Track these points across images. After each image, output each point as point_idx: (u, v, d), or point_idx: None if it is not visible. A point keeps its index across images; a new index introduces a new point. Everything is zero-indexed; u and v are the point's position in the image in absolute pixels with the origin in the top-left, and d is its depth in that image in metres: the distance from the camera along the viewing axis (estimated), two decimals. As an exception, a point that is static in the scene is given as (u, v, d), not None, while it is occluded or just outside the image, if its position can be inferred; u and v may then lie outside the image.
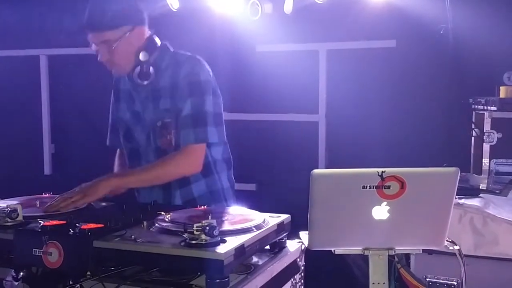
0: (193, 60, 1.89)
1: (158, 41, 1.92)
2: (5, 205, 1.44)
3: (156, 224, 1.39)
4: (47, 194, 1.77)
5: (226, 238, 1.24)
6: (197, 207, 1.61)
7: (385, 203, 1.31)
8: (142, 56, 1.85)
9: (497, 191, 2.51)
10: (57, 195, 1.69)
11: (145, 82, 1.86)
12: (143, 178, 1.82)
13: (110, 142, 2.11)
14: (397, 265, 1.48)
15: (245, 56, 3.86)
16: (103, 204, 1.72)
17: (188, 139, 1.81)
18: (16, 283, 1.31)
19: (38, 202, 1.67)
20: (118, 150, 2.13)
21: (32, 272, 1.31)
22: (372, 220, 1.32)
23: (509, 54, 3.16)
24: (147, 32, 1.90)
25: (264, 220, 1.44)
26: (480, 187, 2.60)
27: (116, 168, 2.10)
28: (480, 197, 2.36)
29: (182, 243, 1.22)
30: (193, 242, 1.20)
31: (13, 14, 4.17)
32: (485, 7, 3.17)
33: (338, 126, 3.81)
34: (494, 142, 2.94)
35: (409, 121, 3.57)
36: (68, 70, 4.28)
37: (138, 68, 1.86)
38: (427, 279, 2.13)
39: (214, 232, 1.21)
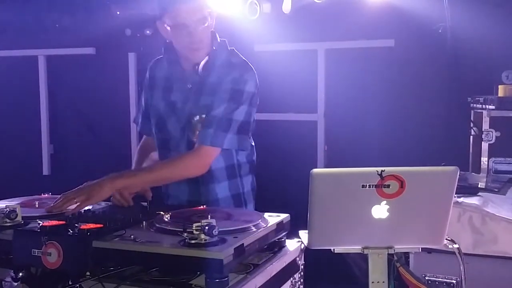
0: (245, 66, 1.86)
1: (218, 37, 1.91)
2: (4, 205, 1.44)
3: (156, 224, 1.39)
4: (46, 195, 1.76)
5: (225, 238, 1.24)
6: (194, 207, 1.61)
7: (384, 202, 1.31)
8: (215, 46, 1.83)
9: (496, 190, 2.51)
10: (56, 196, 1.68)
11: (206, 74, 1.82)
12: (149, 179, 1.77)
13: (142, 129, 2.06)
14: (396, 263, 1.48)
15: (244, 55, 3.85)
16: (102, 204, 1.71)
17: (205, 140, 1.78)
18: (15, 284, 1.31)
19: (37, 203, 1.67)
20: (142, 142, 2.09)
21: (31, 273, 1.31)
22: (372, 219, 1.32)
23: (507, 53, 3.16)
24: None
25: (264, 219, 1.44)
26: (479, 186, 2.61)
27: (134, 164, 2.05)
28: (479, 195, 2.36)
29: (182, 243, 1.22)
30: (193, 241, 1.20)
31: (11, 14, 4.16)
32: (483, 6, 3.18)
33: (337, 125, 3.81)
34: (493, 141, 2.95)
35: (408, 120, 3.57)
36: (66, 71, 4.27)
37: (206, 58, 1.83)
38: (426, 278, 2.14)
39: (214, 231, 1.21)
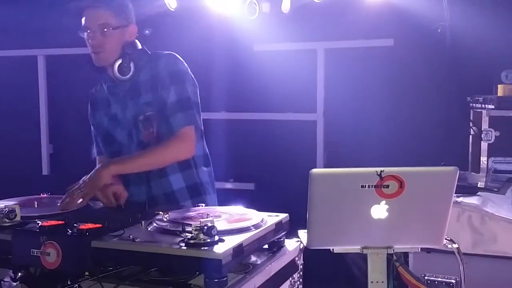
0: (168, 54, 1.98)
1: (139, 45, 2.01)
2: (3, 205, 1.44)
3: (154, 224, 1.39)
4: (45, 195, 1.76)
5: (224, 238, 1.24)
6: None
7: (383, 202, 1.31)
8: (128, 49, 1.93)
9: (495, 189, 2.52)
10: (56, 196, 1.69)
11: (124, 77, 1.92)
12: (141, 163, 1.85)
13: (96, 153, 2.15)
14: (396, 263, 1.48)
15: (243, 56, 3.86)
16: (101, 204, 1.71)
17: (179, 122, 1.88)
18: (15, 284, 1.31)
19: (36, 203, 1.67)
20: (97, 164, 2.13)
21: (30, 273, 1.31)
22: (371, 219, 1.32)
23: (507, 53, 3.16)
24: (135, 36, 2.00)
25: (263, 219, 1.44)
26: (478, 185, 2.61)
27: None
28: (478, 195, 2.36)
29: (181, 243, 1.22)
30: (192, 241, 1.20)
31: (11, 14, 4.15)
32: (482, 5, 3.17)
33: (337, 125, 3.81)
34: (492, 140, 2.95)
35: (407, 119, 3.57)
36: (66, 70, 4.27)
37: (119, 60, 1.91)
38: (426, 278, 2.14)
39: (212, 231, 1.20)
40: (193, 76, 1.99)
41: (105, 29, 1.88)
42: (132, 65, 1.92)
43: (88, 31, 1.90)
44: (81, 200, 1.65)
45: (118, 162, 1.83)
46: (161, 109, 1.90)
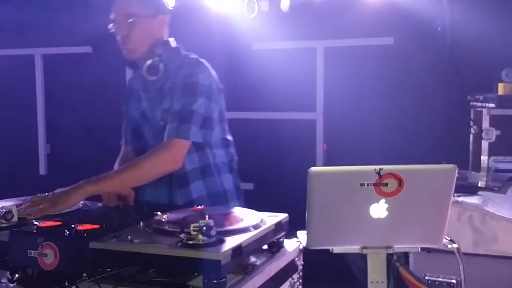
0: (194, 62, 1.90)
1: (174, 43, 1.96)
2: (0, 206, 1.43)
3: (153, 225, 1.38)
4: (42, 195, 1.75)
5: (223, 238, 1.23)
6: (193, 207, 1.60)
7: (383, 200, 1.30)
8: (158, 49, 1.87)
9: (496, 189, 2.51)
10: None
11: (153, 78, 1.88)
12: (119, 180, 1.71)
13: (124, 142, 2.09)
14: (396, 263, 1.47)
15: (242, 54, 3.85)
16: (99, 204, 1.70)
17: (171, 133, 1.80)
18: (12, 285, 1.30)
19: (33, 203, 1.65)
20: (121, 154, 2.09)
21: (28, 274, 1.30)
22: (370, 218, 1.31)
23: (507, 51, 3.16)
24: (167, 28, 1.95)
25: (262, 219, 1.43)
26: (479, 185, 2.60)
27: None
28: (479, 194, 2.36)
29: (179, 244, 1.21)
30: (190, 242, 1.19)
31: (7, 13, 4.14)
32: (483, 3, 3.17)
33: (336, 123, 3.80)
34: (493, 139, 2.94)
35: (407, 118, 3.56)
36: (63, 69, 4.26)
37: (149, 61, 1.87)
38: (426, 278, 2.13)
39: (211, 232, 1.20)
40: (219, 88, 1.89)
41: (130, 19, 1.84)
42: (162, 66, 1.86)
43: (115, 23, 1.88)
44: (38, 211, 1.53)
45: (94, 181, 1.66)
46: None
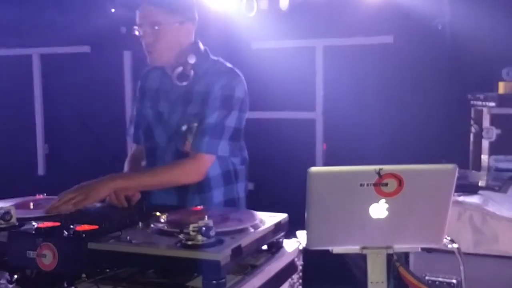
0: (232, 73, 1.90)
1: (202, 46, 1.94)
2: (-1, 207, 1.42)
3: (152, 225, 1.37)
4: (41, 196, 1.74)
5: (222, 239, 1.23)
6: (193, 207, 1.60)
7: (383, 200, 1.30)
8: (190, 59, 1.85)
9: (497, 188, 2.50)
10: (51, 196, 1.66)
11: (184, 83, 1.86)
12: (147, 182, 1.79)
13: (134, 139, 2.07)
14: (396, 263, 1.47)
15: (241, 53, 3.84)
16: (98, 205, 1.70)
17: (200, 147, 1.81)
18: (10, 286, 1.29)
19: (32, 204, 1.65)
20: (132, 152, 2.08)
21: (26, 275, 1.30)
22: (370, 218, 1.31)
23: (507, 50, 3.15)
24: (193, 35, 1.91)
25: (261, 220, 1.43)
26: (479, 184, 2.60)
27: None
28: (479, 194, 2.35)
29: (178, 244, 1.20)
30: (189, 243, 1.19)
31: (5, 13, 4.14)
32: (483, 2, 3.16)
33: (336, 123, 3.80)
34: (493, 138, 2.94)
35: (407, 117, 3.56)
36: (61, 69, 4.25)
37: (180, 68, 1.85)
38: (427, 278, 2.12)
39: (211, 232, 1.19)
40: (246, 101, 1.89)
41: (156, 27, 1.80)
42: (192, 73, 1.85)
43: (140, 28, 1.83)
44: (71, 206, 1.57)
45: (124, 177, 1.76)
46: (199, 126, 1.83)
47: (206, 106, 1.83)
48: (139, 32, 1.85)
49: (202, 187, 1.87)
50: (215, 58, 1.95)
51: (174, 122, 1.89)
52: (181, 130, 1.86)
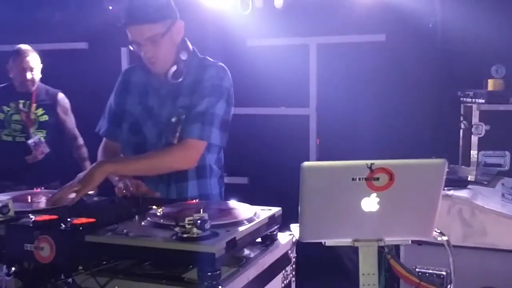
0: (219, 66, 1.96)
1: (189, 44, 1.97)
2: (-4, 201, 1.44)
3: (148, 218, 1.39)
4: (39, 189, 1.76)
5: (217, 232, 1.25)
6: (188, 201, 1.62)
7: (374, 194, 1.32)
8: (182, 55, 1.89)
9: (485, 183, 2.54)
10: (49, 190, 1.68)
11: (179, 80, 1.89)
12: (138, 167, 1.80)
13: (108, 133, 2.04)
14: (387, 256, 1.50)
15: (236, 51, 3.86)
16: (95, 198, 1.71)
17: (192, 133, 1.83)
18: (8, 278, 1.31)
19: (29, 197, 1.67)
20: (103, 144, 2.07)
21: (24, 267, 1.31)
22: (362, 212, 1.33)
23: (497, 47, 3.19)
24: (183, 28, 1.93)
25: (256, 213, 1.45)
26: (469, 179, 2.63)
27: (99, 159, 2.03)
28: (469, 188, 2.38)
29: (174, 237, 1.22)
30: (185, 235, 1.20)
31: (3, 10, 4.12)
32: (473, 1, 3.20)
33: (329, 119, 3.83)
34: (482, 134, 2.97)
35: (399, 114, 3.60)
36: (58, 65, 4.24)
37: (175, 67, 1.88)
38: (417, 270, 2.16)
39: (206, 225, 1.21)
40: (232, 94, 1.95)
41: (154, 40, 1.82)
42: (185, 70, 1.89)
43: (137, 44, 1.85)
44: (73, 196, 1.61)
45: (114, 162, 1.79)
46: (189, 114, 1.86)
47: (194, 96, 1.87)
48: (136, 48, 1.86)
49: (178, 177, 1.90)
50: (201, 56, 1.99)
51: (164, 117, 1.91)
52: (171, 122, 1.88)
